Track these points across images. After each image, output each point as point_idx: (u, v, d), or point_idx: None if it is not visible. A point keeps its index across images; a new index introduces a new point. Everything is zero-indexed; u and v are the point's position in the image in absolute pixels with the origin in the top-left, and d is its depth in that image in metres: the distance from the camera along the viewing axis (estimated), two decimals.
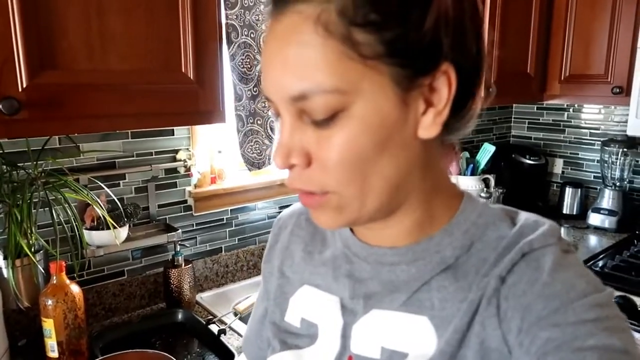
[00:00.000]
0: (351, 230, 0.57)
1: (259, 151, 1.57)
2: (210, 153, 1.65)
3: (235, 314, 1.38)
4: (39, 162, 1.23)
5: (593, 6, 1.98)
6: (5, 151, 1.21)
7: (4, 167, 1.17)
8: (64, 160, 1.32)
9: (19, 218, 1.13)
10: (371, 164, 0.44)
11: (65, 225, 1.24)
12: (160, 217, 1.54)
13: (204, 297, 1.60)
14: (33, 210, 1.17)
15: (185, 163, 1.55)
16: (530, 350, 0.42)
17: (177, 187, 1.56)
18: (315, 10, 0.41)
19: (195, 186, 1.60)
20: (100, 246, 1.31)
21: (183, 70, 1.14)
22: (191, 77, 1.15)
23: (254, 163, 1.57)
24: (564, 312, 0.42)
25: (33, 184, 1.17)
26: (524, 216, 0.51)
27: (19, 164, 1.20)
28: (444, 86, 0.44)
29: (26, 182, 1.15)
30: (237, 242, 1.73)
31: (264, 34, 0.46)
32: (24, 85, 0.93)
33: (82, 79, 1.00)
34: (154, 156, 1.49)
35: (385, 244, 0.53)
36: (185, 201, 1.59)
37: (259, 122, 1.55)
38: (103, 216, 1.23)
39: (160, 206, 1.53)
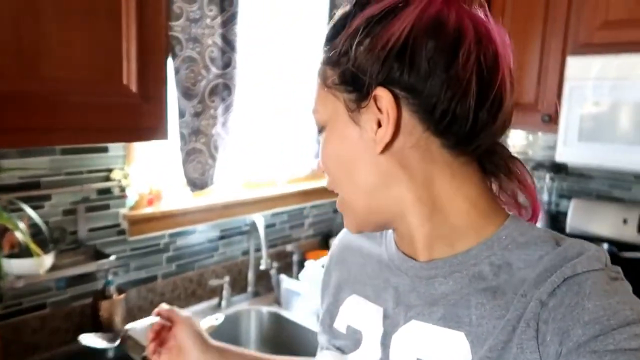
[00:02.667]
0: (395, 242, 0.61)
1: (201, 171, 1.48)
2: (147, 172, 1.53)
3: None
4: None
5: (525, 38, 2.09)
6: None
7: None
8: None
9: None
10: (343, 171, 0.55)
11: None
12: (90, 243, 1.40)
13: (137, 329, 1.46)
14: None
15: (120, 183, 1.43)
16: None
17: (110, 210, 1.43)
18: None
19: (131, 208, 1.48)
20: (20, 276, 1.16)
21: (125, 82, 1.05)
22: (133, 90, 1.06)
23: (196, 183, 1.48)
24: (604, 339, 0.42)
25: None
26: (569, 240, 0.50)
27: None
28: (389, 108, 0.50)
29: None
30: (174, 268, 1.61)
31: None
32: None
33: (10, 87, 0.88)
34: (85, 175, 1.36)
35: (420, 257, 0.56)
36: (119, 225, 1.46)
37: (202, 140, 1.47)
38: (25, 242, 1.09)
39: (90, 230, 1.39)
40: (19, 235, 1.08)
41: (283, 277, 1.69)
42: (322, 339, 0.65)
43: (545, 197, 2.35)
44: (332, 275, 0.68)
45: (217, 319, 1.38)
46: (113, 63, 1.02)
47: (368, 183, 0.53)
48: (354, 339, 0.59)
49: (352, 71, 0.51)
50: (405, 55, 0.49)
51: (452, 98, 0.49)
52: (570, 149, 2.02)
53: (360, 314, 0.60)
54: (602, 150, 1.95)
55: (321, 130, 0.56)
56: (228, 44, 1.47)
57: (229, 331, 1.62)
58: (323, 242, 2.08)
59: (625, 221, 2.15)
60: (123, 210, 1.46)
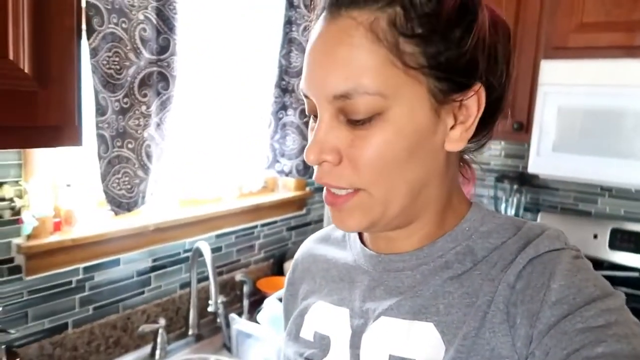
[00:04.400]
0: (362, 241, 0.59)
1: (129, 186, 1.13)
2: (53, 188, 1.16)
3: None
4: None
5: None
6: None
7: None
8: None
9: None
10: (399, 167, 0.48)
11: None
12: None
13: None
14: None
15: (13, 203, 1.05)
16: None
17: None
18: (368, 18, 0.45)
19: (29, 237, 1.10)
20: None
21: (11, 57, 0.70)
22: (25, 70, 0.71)
23: (122, 203, 1.12)
24: (572, 319, 0.42)
25: None
26: (529, 223, 0.52)
27: None
28: (474, 105, 0.49)
29: None
30: (91, 312, 1.24)
31: (311, 33, 0.49)
32: None
33: None
34: None
35: (392, 251, 0.55)
36: (12, 259, 1.07)
37: (130, 145, 1.12)
38: None
39: None
40: None
41: (234, 316, 1.36)
42: (288, 352, 0.62)
43: (510, 211, 2.19)
44: (299, 287, 0.67)
45: None
46: None
47: (417, 179, 0.49)
48: (322, 345, 0.58)
49: (462, 59, 0.47)
50: (497, 52, 0.49)
51: (504, 99, 0.52)
52: (544, 160, 1.88)
53: (327, 319, 0.59)
54: (578, 162, 1.82)
55: (371, 117, 0.46)
56: (165, 22, 1.14)
57: None
58: (277, 267, 1.76)
59: (595, 236, 2.03)
60: (17, 240, 1.08)
